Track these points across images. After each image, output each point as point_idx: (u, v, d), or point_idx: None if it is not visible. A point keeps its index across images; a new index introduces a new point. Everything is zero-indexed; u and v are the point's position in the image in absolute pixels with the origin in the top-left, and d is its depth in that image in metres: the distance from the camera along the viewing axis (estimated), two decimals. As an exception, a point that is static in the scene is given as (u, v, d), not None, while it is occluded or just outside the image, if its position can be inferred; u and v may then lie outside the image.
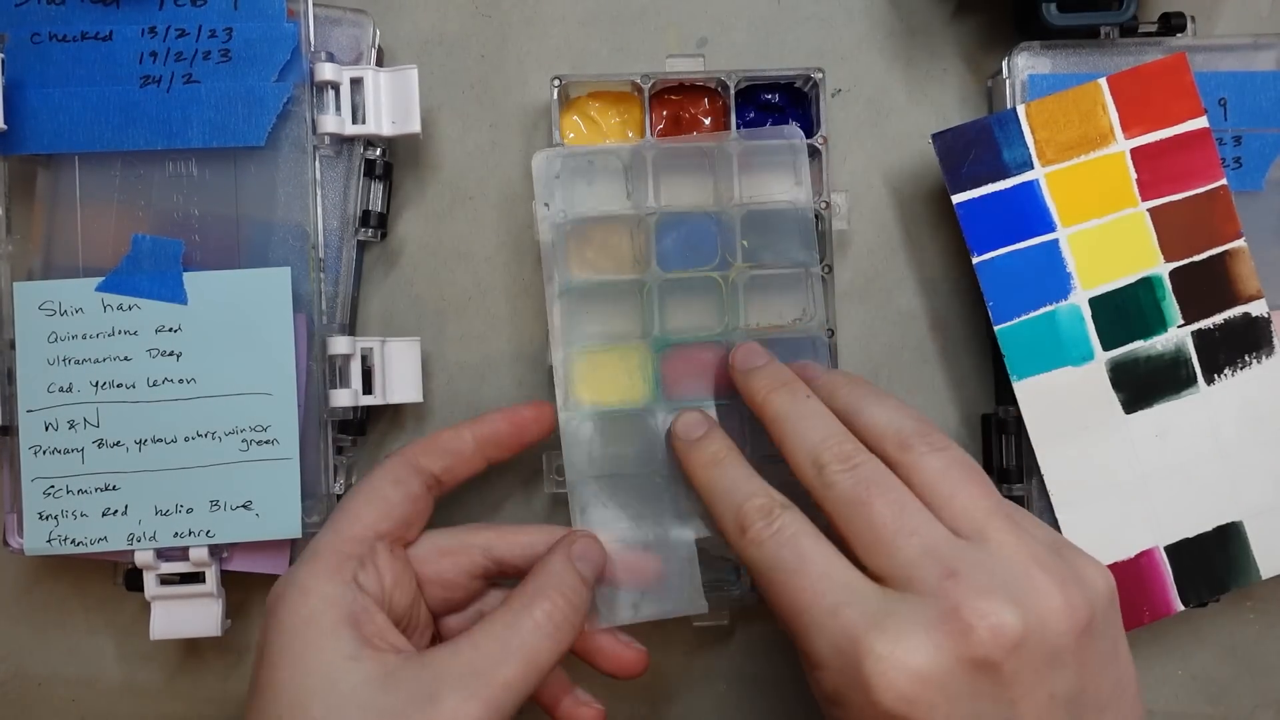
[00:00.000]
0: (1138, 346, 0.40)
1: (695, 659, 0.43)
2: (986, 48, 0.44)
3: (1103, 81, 0.40)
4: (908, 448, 0.32)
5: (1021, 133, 0.40)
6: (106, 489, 0.39)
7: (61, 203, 0.39)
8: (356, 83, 0.40)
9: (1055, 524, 0.40)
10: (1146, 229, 0.40)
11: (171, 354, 0.39)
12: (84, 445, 0.39)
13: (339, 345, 0.40)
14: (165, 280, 0.39)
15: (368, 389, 0.41)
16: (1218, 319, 0.41)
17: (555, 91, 0.40)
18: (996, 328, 0.40)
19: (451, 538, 0.37)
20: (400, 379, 0.41)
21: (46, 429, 0.39)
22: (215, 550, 0.39)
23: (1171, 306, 0.40)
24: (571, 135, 0.42)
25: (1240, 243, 0.40)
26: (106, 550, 0.39)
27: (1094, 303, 0.40)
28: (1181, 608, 0.40)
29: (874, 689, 0.28)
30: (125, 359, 0.39)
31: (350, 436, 0.41)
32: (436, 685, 0.31)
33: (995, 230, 0.40)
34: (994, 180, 0.40)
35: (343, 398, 0.40)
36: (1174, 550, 0.40)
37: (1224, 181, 0.40)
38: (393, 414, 0.43)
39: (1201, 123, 0.40)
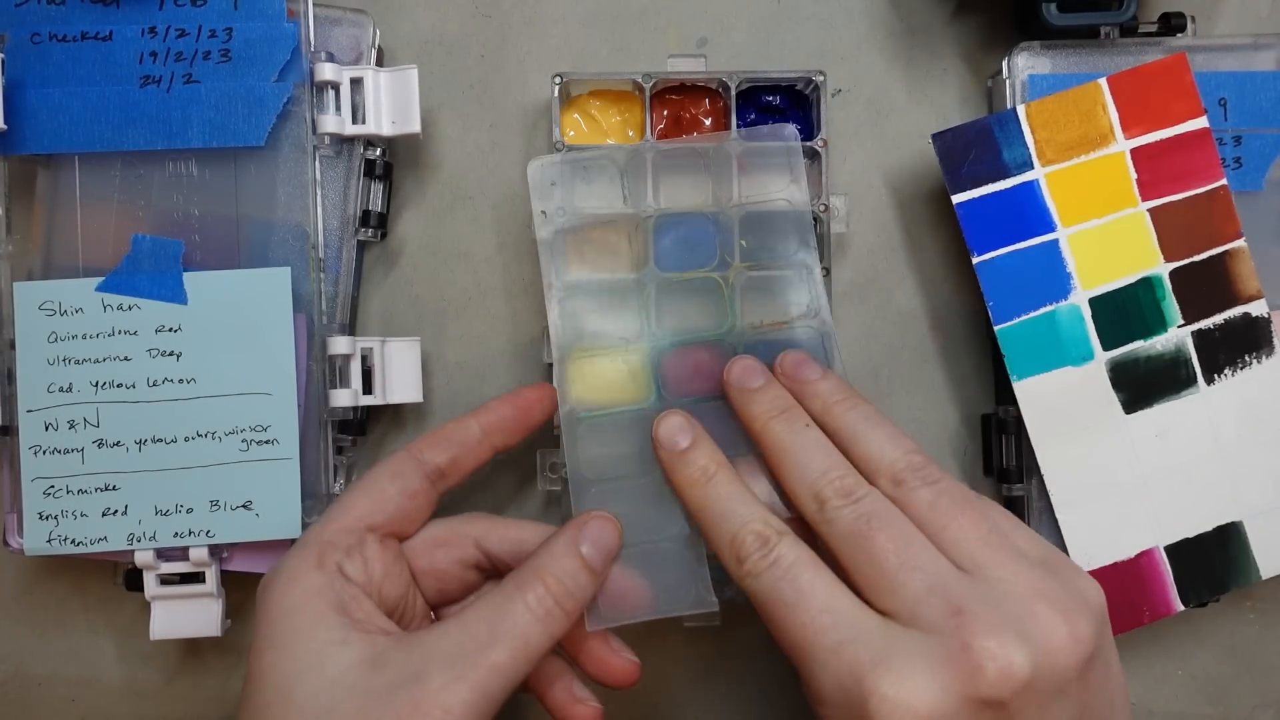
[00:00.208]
0: (1138, 346, 0.40)
1: (690, 659, 0.43)
2: (986, 48, 0.44)
3: (1103, 81, 0.40)
4: (900, 483, 0.32)
5: (1021, 133, 0.40)
6: (106, 489, 0.39)
7: (61, 203, 0.39)
8: (356, 83, 0.40)
9: (1055, 524, 0.40)
10: (1146, 229, 0.40)
11: (171, 354, 0.39)
12: (84, 445, 0.39)
13: (339, 345, 0.40)
14: (165, 280, 0.39)
15: (368, 389, 0.41)
16: (1218, 319, 0.41)
17: (556, 89, 0.40)
18: (996, 328, 0.40)
19: (444, 528, 0.37)
20: (400, 379, 0.41)
21: (46, 429, 0.39)
22: (215, 550, 0.39)
23: (1171, 306, 0.40)
24: (572, 133, 0.42)
25: (1240, 243, 0.40)
26: (106, 550, 0.39)
27: (1094, 303, 0.40)
28: (1181, 608, 0.40)
29: None
30: (125, 359, 0.39)
31: (350, 436, 0.41)
32: (424, 665, 0.30)
33: (995, 230, 0.40)
34: (994, 180, 0.40)
35: (343, 398, 0.40)
36: (1174, 550, 0.40)
37: (1224, 181, 0.40)
38: (393, 414, 0.43)
39: (1201, 123, 0.40)
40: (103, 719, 0.43)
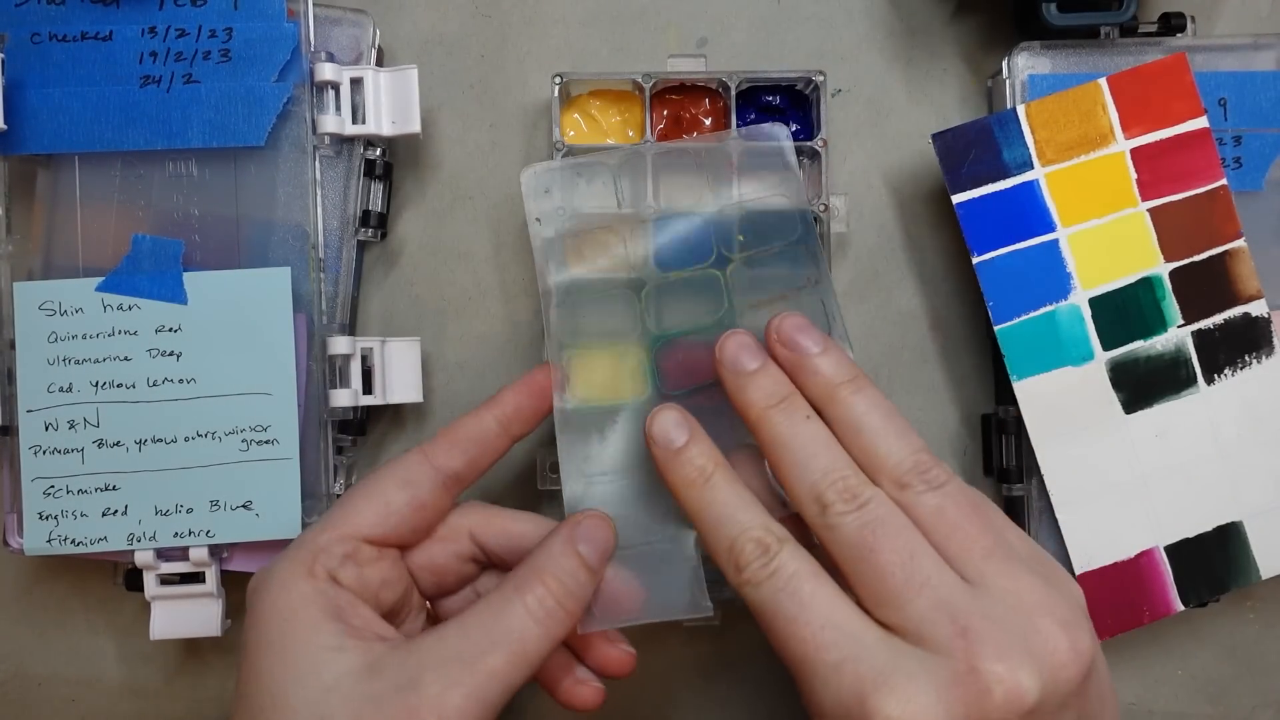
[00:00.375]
0: (1138, 346, 0.40)
1: (689, 658, 0.43)
2: (986, 48, 0.44)
3: (1103, 81, 0.40)
4: (905, 486, 0.31)
5: (1021, 133, 0.40)
6: (106, 489, 0.39)
7: (61, 203, 0.39)
8: (356, 83, 0.40)
9: (1055, 524, 0.40)
10: (1146, 229, 0.40)
11: (171, 354, 0.39)
12: (84, 445, 0.39)
13: (339, 345, 0.40)
14: (165, 280, 0.39)
15: (368, 389, 0.41)
16: (1218, 319, 0.41)
17: (556, 89, 0.40)
18: (996, 328, 0.40)
19: (441, 523, 0.36)
20: (400, 379, 0.41)
21: (46, 429, 0.39)
22: (215, 550, 0.39)
23: (1171, 306, 0.40)
24: (572, 133, 0.42)
25: (1240, 243, 0.40)
26: (106, 550, 0.39)
27: (1094, 303, 0.40)
28: (1181, 608, 0.40)
29: None
30: (125, 359, 0.39)
31: (350, 436, 0.41)
32: (419, 671, 0.30)
33: (995, 230, 0.40)
34: (994, 180, 0.40)
35: (343, 398, 0.40)
36: (1174, 550, 0.40)
37: (1224, 181, 0.40)
38: (393, 414, 0.43)
39: (1201, 123, 0.40)
40: (103, 719, 0.43)
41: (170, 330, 0.39)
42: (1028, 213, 0.40)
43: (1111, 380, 0.40)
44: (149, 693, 0.43)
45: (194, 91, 0.39)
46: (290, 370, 0.39)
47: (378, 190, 0.42)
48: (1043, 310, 0.40)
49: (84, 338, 0.39)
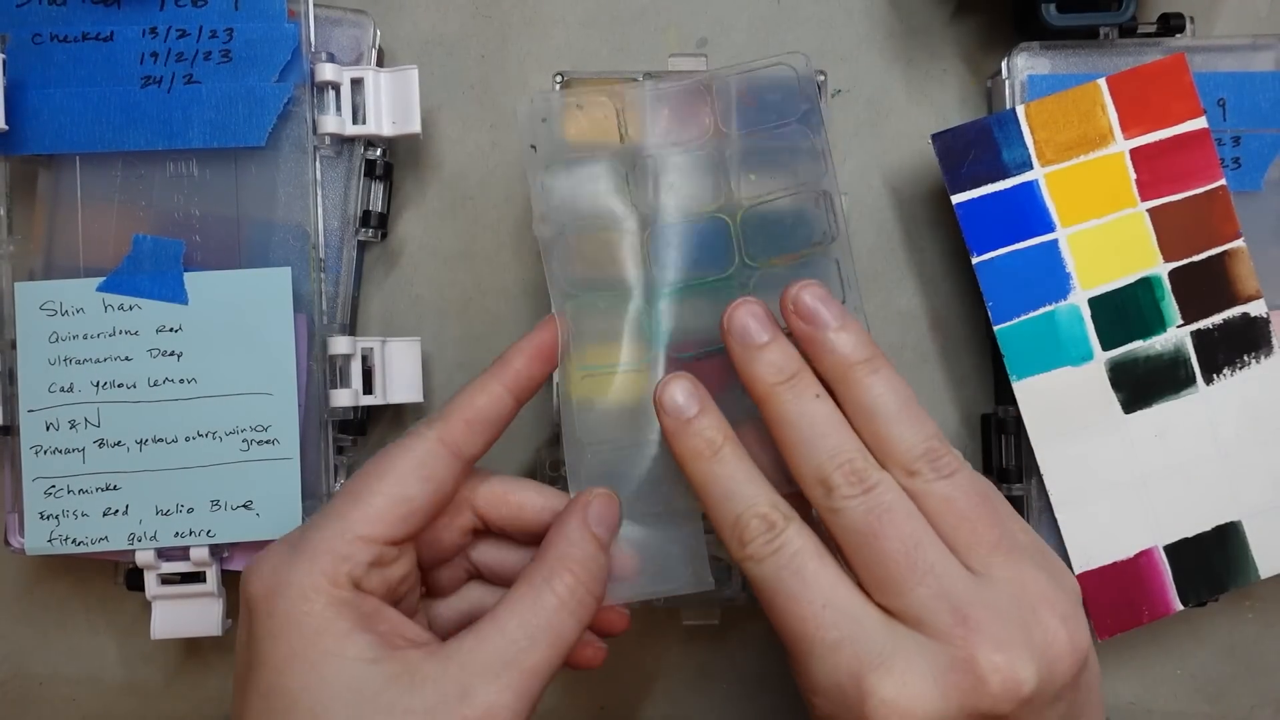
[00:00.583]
0: (1137, 346, 0.40)
1: (689, 658, 0.44)
2: (986, 48, 0.44)
3: (1102, 82, 0.40)
4: (914, 473, 0.31)
5: (1021, 133, 0.40)
6: (107, 489, 0.39)
7: (63, 203, 0.39)
8: (357, 83, 0.40)
9: (1055, 524, 0.40)
10: (1146, 229, 0.40)
11: (172, 354, 0.39)
12: (85, 445, 0.39)
13: (339, 345, 0.40)
14: (166, 280, 0.39)
15: (368, 389, 0.41)
16: (1217, 319, 0.41)
17: (557, 87, 0.40)
18: (996, 328, 0.40)
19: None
20: (400, 379, 0.41)
21: (47, 429, 0.39)
22: (216, 550, 0.39)
23: (1171, 306, 0.40)
24: (573, 130, 0.42)
25: (1239, 243, 0.41)
26: (107, 550, 0.39)
27: (1093, 303, 0.40)
28: (1181, 607, 0.40)
29: None
30: (126, 359, 0.39)
31: (350, 436, 0.41)
32: (466, 679, 0.29)
33: (995, 230, 0.40)
34: (993, 180, 0.40)
35: (343, 398, 0.40)
36: (1173, 550, 0.40)
37: (1223, 182, 0.40)
38: (393, 414, 0.43)
39: (1200, 123, 0.40)
40: (103, 718, 0.43)
41: (171, 330, 0.39)
42: (1027, 213, 0.40)
43: (1111, 380, 0.40)
44: (149, 692, 0.43)
45: (195, 92, 0.39)
46: (291, 370, 0.39)
47: (378, 190, 0.42)
48: (1042, 310, 0.40)
49: (85, 338, 0.39)
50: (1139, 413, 0.40)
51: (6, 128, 0.38)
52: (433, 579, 0.36)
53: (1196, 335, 0.41)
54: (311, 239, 0.40)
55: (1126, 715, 0.44)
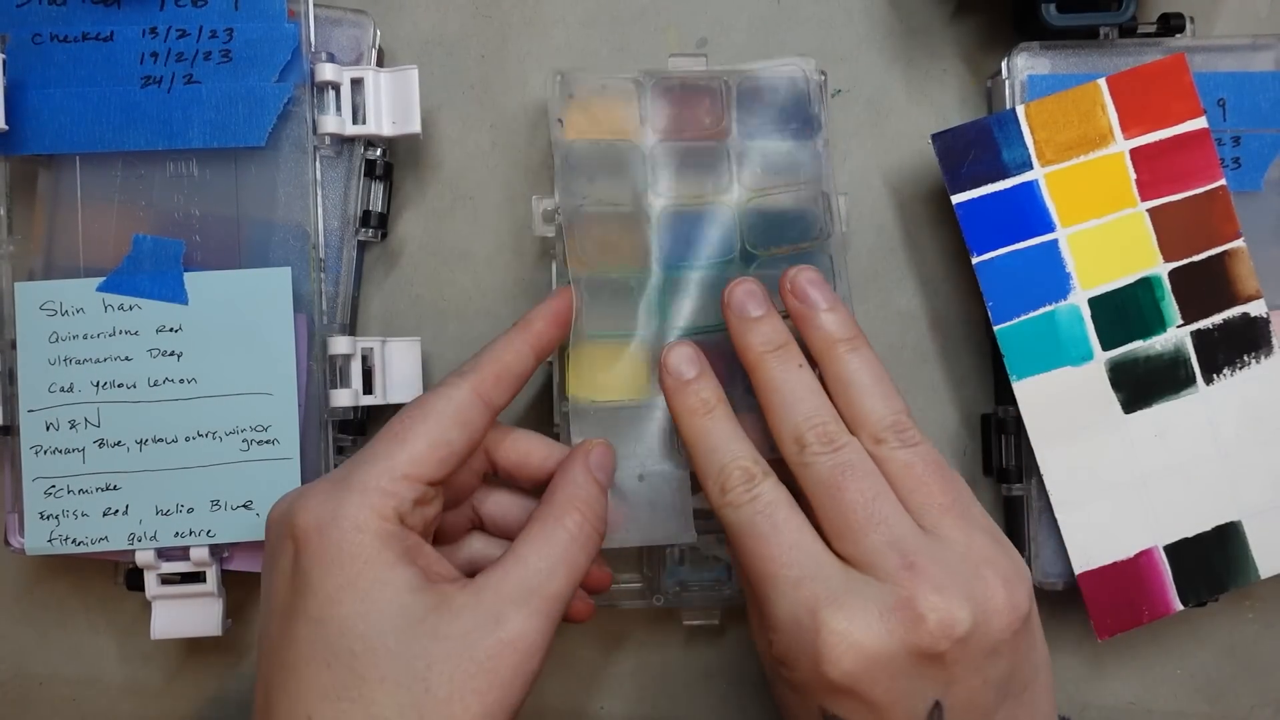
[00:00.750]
0: (1137, 346, 0.40)
1: (689, 658, 0.44)
2: (986, 48, 0.44)
3: (1102, 82, 0.40)
4: (880, 440, 0.34)
5: (1021, 133, 0.40)
6: (107, 489, 0.39)
7: (63, 203, 0.39)
8: (357, 83, 0.40)
9: (1055, 524, 0.40)
10: (1146, 229, 0.40)
11: (172, 354, 0.39)
12: (85, 445, 0.39)
13: (339, 345, 0.40)
14: (166, 280, 0.39)
15: (368, 389, 0.41)
16: (1217, 319, 0.41)
17: (557, 86, 0.40)
18: (996, 328, 0.40)
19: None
20: (400, 379, 0.41)
21: (47, 429, 0.39)
22: (216, 550, 0.39)
23: (1171, 306, 0.40)
24: (572, 130, 0.42)
25: (1239, 243, 0.41)
26: (107, 550, 0.39)
27: (1093, 303, 0.40)
28: (1180, 607, 0.40)
29: (825, 660, 0.31)
30: (126, 359, 0.39)
31: (350, 436, 0.41)
32: (498, 607, 0.32)
33: (995, 230, 0.40)
34: (993, 180, 0.40)
35: (343, 398, 0.40)
36: (1173, 550, 0.40)
37: (1223, 182, 0.40)
38: (393, 414, 0.43)
39: (1200, 123, 0.40)
40: (103, 718, 0.43)
41: (171, 330, 0.39)
42: (1027, 213, 0.40)
43: (1111, 380, 0.40)
44: (149, 692, 0.43)
45: (195, 92, 0.39)
46: (291, 370, 0.39)
47: (378, 190, 0.42)
48: (1042, 310, 0.40)
49: (85, 338, 0.39)
50: (1139, 413, 0.40)
51: (6, 128, 0.38)
52: (442, 525, 0.37)
53: (1196, 335, 0.41)
54: (311, 239, 0.40)
55: (1126, 715, 0.44)
